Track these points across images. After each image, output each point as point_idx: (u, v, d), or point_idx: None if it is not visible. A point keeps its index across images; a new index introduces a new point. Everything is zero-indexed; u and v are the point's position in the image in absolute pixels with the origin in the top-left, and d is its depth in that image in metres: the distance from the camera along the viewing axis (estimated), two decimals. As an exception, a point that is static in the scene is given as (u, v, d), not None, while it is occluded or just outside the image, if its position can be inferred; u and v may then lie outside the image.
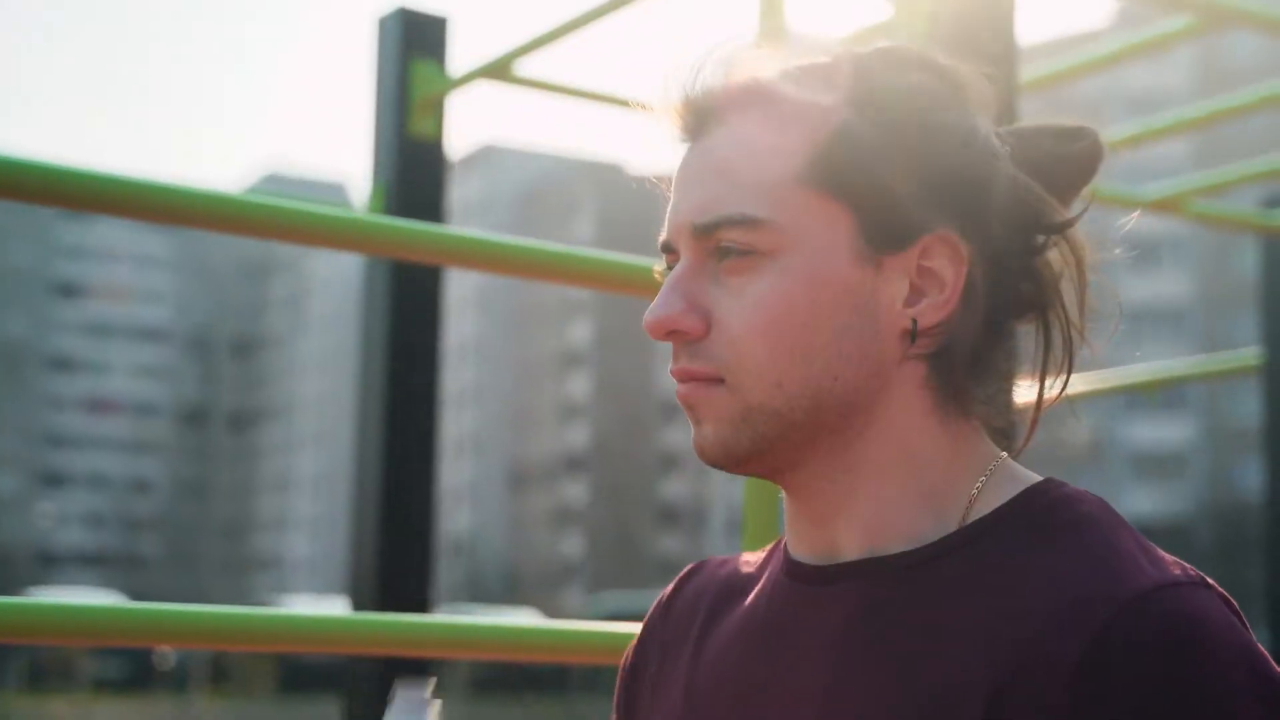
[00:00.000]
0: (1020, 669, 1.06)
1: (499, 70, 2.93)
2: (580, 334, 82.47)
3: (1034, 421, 1.25)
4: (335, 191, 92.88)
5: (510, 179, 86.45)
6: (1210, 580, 1.12)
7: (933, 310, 1.19)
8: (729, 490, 70.28)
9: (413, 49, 2.97)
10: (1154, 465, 57.99)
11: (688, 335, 1.19)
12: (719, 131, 1.22)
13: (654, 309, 1.20)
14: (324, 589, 74.84)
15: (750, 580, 1.32)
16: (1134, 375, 4.04)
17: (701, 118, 1.23)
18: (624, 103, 3.06)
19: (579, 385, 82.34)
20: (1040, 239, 1.23)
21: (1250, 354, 4.33)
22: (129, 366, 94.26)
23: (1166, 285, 57.26)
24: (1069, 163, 1.26)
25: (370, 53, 3.03)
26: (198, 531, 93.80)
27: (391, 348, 2.88)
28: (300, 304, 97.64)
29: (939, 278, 1.19)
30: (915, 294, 1.19)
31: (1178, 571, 1.10)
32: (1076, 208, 1.26)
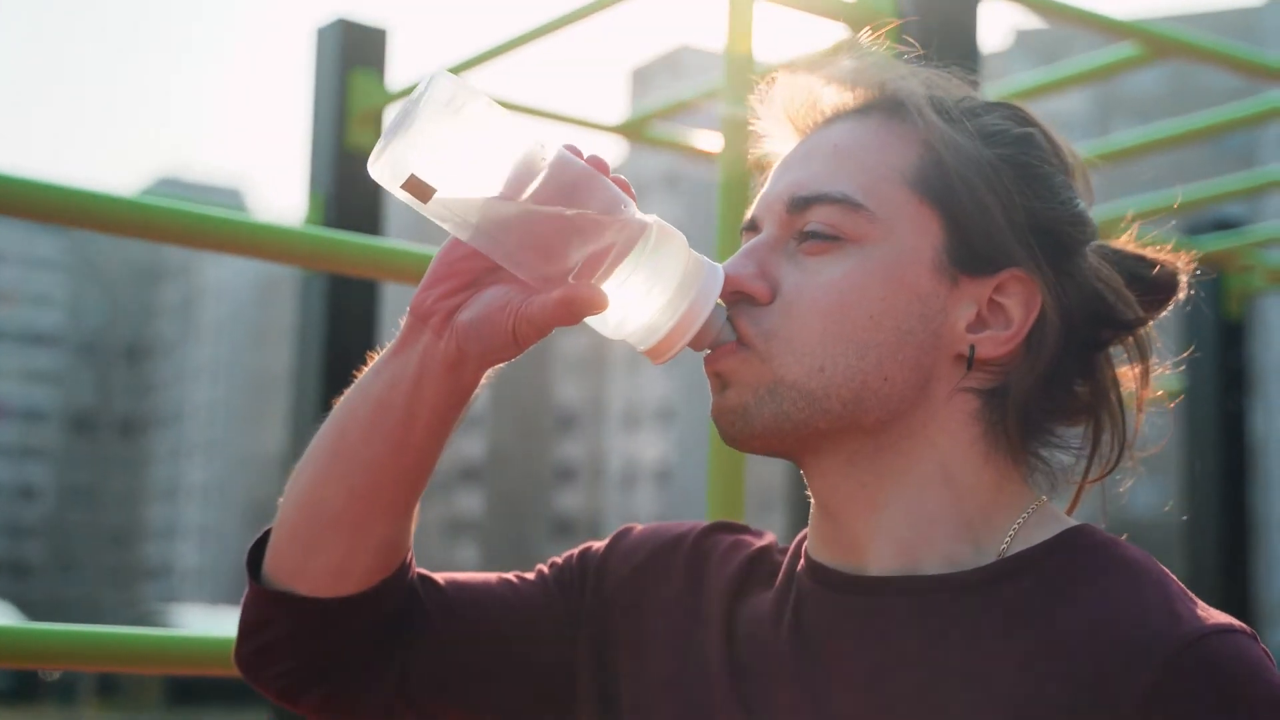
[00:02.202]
0: (1078, 705, 1.07)
1: (440, 83, 2.89)
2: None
3: (1078, 494, 1.29)
4: (231, 196, 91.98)
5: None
6: (1251, 631, 1.13)
7: (993, 343, 1.20)
8: (624, 503, 70.36)
9: (352, 60, 2.94)
10: (1044, 483, 58.80)
11: (753, 299, 1.19)
12: (836, 126, 1.24)
13: (726, 267, 1.20)
14: (213, 598, 73.95)
15: (769, 572, 1.30)
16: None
17: (826, 119, 1.26)
18: (568, 119, 3.05)
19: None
20: (1107, 335, 1.24)
21: (1166, 379, 4.38)
22: (17, 371, 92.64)
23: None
24: (1147, 283, 1.27)
25: (308, 63, 2.99)
26: (86, 539, 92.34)
27: (327, 362, 2.84)
28: (192, 310, 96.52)
29: (1008, 315, 1.20)
30: (980, 323, 1.20)
31: (1220, 621, 1.11)
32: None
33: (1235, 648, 1.09)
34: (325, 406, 2.78)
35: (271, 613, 1.25)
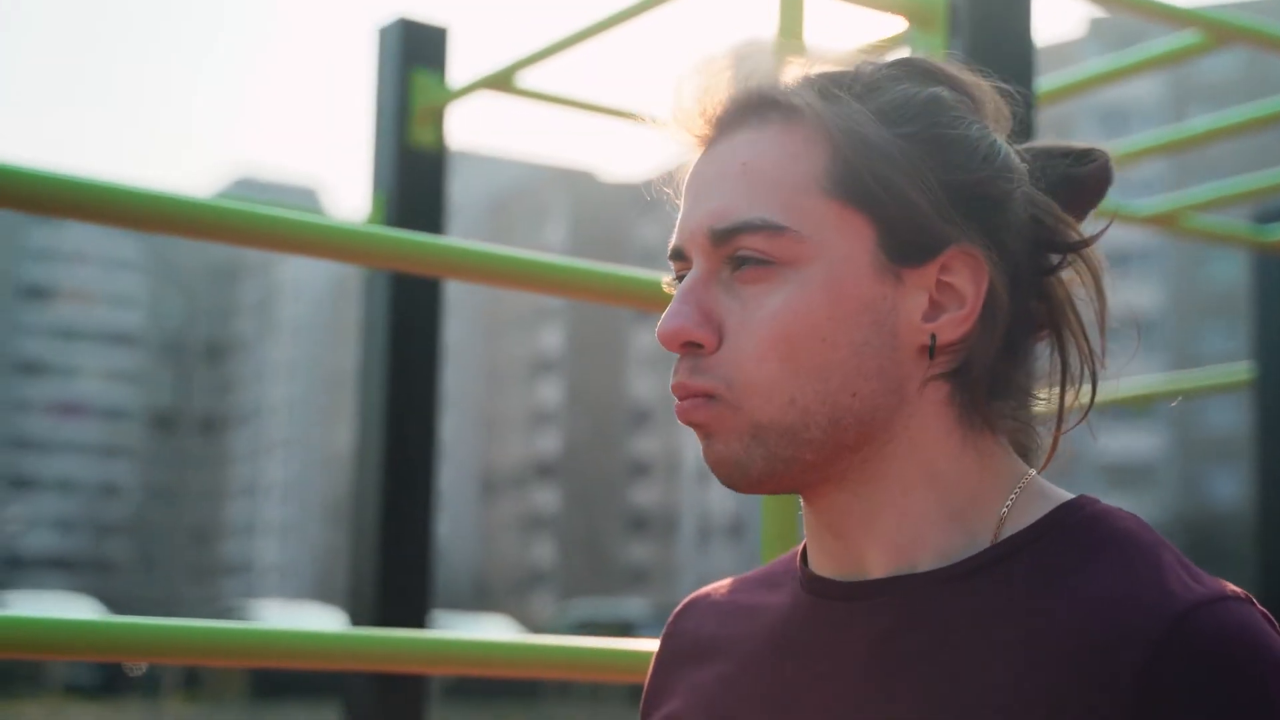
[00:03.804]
0: (1072, 688, 1.05)
1: (500, 81, 2.91)
2: (551, 340, 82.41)
3: (1056, 439, 1.24)
4: (307, 197, 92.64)
5: (482, 185, 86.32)
6: (1250, 596, 1.11)
7: (952, 326, 1.17)
8: (699, 498, 70.27)
9: (413, 59, 2.96)
10: (1124, 475, 58.20)
11: (701, 348, 1.17)
12: (738, 138, 1.19)
13: (667, 319, 1.17)
14: (293, 594, 74.56)
15: (758, 600, 1.29)
16: (1124, 390, 4.04)
17: (719, 125, 1.21)
18: (626, 114, 3.06)
19: (550, 392, 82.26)
20: (1055, 258, 1.22)
21: (1239, 368, 4.34)
22: (99, 370, 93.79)
23: (1136, 296, 57.51)
24: (1080, 184, 1.25)
25: (370, 63, 3.02)
26: (167, 536, 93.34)
27: (391, 359, 2.86)
28: (270, 309, 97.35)
29: (959, 293, 1.17)
30: (934, 309, 1.17)
31: (1220, 586, 1.10)
32: (1088, 226, 1.25)
33: (1228, 616, 1.06)
34: (389, 405, 2.83)
35: None
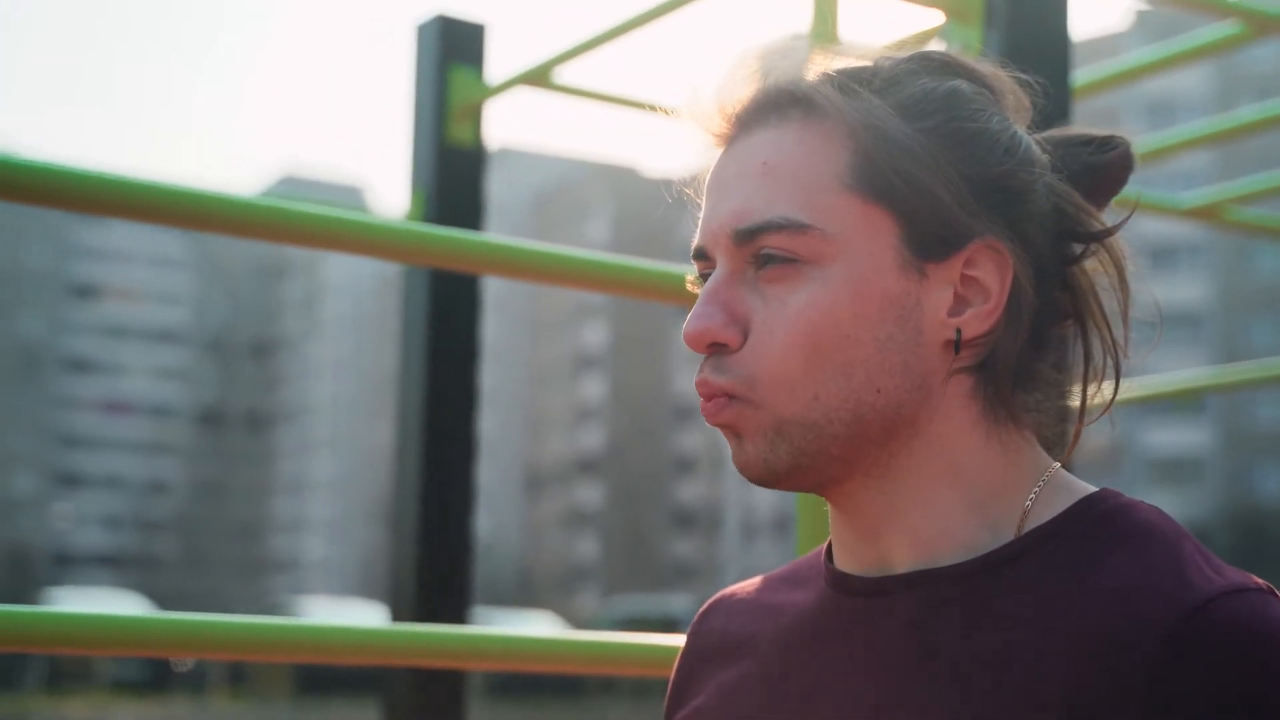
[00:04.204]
0: (1090, 678, 1.05)
1: (538, 77, 2.92)
2: (595, 337, 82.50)
3: (1078, 430, 1.24)
4: (352, 195, 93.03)
5: (525, 181, 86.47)
6: (1273, 588, 1.10)
7: (977, 320, 1.17)
8: (744, 494, 70.23)
9: (451, 56, 2.97)
10: (1171, 470, 57.90)
11: (727, 347, 1.17)
12: (758, 136, 1.20)
13: (693, 320, 1.18)
14: (340, 591, 74.90)
15: (783, 599, 1.30)
16: (1167, 383, 4.01)
17: (739, 123, 1.22)
18: (663, 109, 3.05)
19: (594, 388, 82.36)
20: (1078, 248, 1.21)
21: (1282, 362, 4.31)
22: (145, 368, 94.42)
23: (1182, 290, 57.17)
24: (1101, 172, 1.25)
25: (409, 60, 3.02)
26: (214, 533, 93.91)
27: (431, 355, 2.87)
28: (315, 306, 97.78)
29: (983, 286, 1.17)
30: (959, 303, 1.17)
31: (1241, 578, 1.09)
32: (1111, 215, 1.25)
33: (1246, 608, 1.06)
34: (428, 402, 2.84)
35: None
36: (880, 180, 1.15)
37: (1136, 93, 55.91)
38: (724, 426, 1.19)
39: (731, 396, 1.17)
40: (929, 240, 1.16)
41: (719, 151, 1.24)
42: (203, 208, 1.85)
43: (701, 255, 1.22)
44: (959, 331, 1.17)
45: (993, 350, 1.18)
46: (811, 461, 1.17)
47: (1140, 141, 3.66)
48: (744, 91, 1.22)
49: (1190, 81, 59.40)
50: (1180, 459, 58.15)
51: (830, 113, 1.17)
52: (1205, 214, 3.68)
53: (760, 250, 1.16)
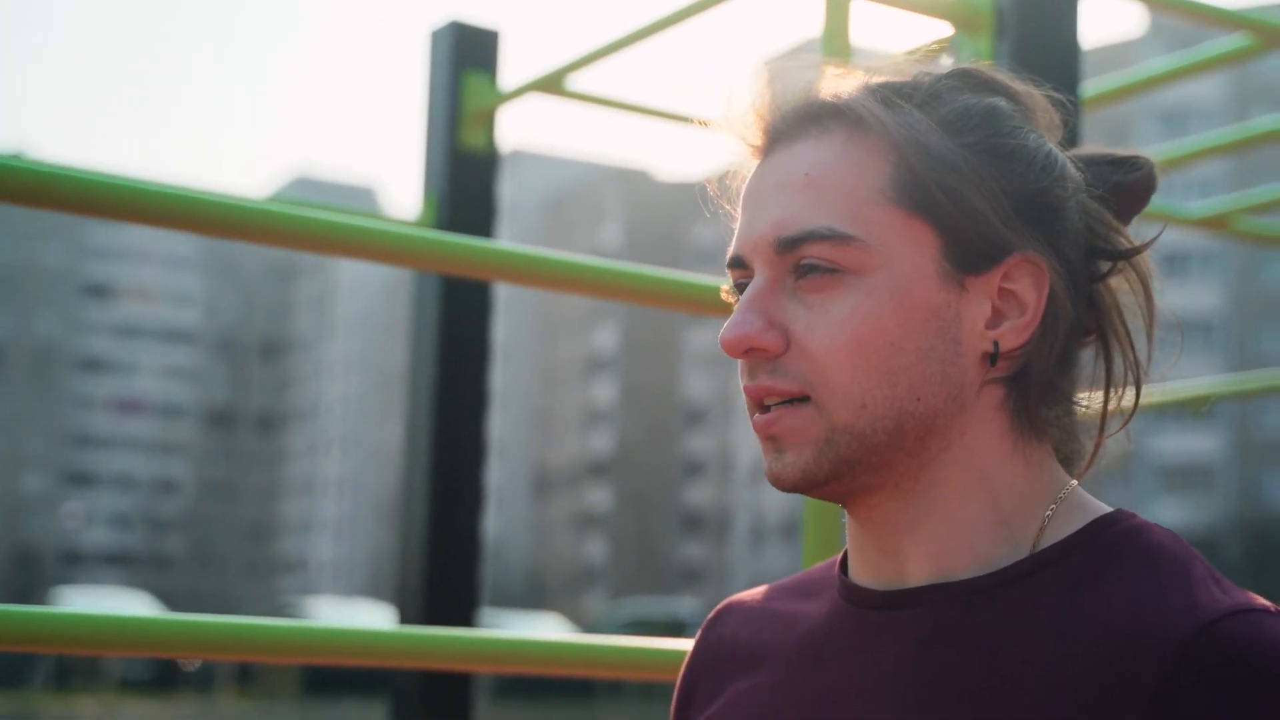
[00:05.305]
0: (1097, 695, 1.06)
1: (551, 83, 2.93)
2: (606, 340, 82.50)
3: (1098, 445, 1.24)
4: (364, 196, 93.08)
5: (537, 185, 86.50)
6: (1277, 607, 1.11)
7: (1014, 333, 1.18)
8: (752, 498, 70.17)
9: (464, 62, 2.97)
10: (1181, 477, 57.78)
11: (766, 353, 1.17)
12: (799, 147, 1.20)
13: (731, 326, 1.18)
14: (348, 591, 74.93)
15: (795, 608, 1.30)
16: (1182, 391, 4.02)
17: (779, 134, 1.22)
18: (676, 116, 3.07)
19: (604, 391, 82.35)
20: (1105, 265, 1.23)
21: (1294, 371, 4.31)
22: (157, 368, 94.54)
23: (1195, 298, 57.06)
24: (1128, 192, 1.26)
25: (422, 66, 3.04)
26: (223, 533, 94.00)
27: (441, 357, 2.88)
28: (326, 307, 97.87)
29: (1020, 300, 1.18)
30: (996, 316, 1.18)
31: (1249, 599, 1.10)
32: (1133, 231, 1.26)
33: (1254, 628, 1.07)
34: (438, 405, 2.85)
35: None
36: (923, 194, 1.17)
37: (1150, 101, 55.77)
38: (775, 438, 1.18)
39: (803, 399, 1.17)
40: (969, 253, 1.17)
41: (754, 162, 1.25)
42: (213, 213, 1.86)
43: (739, 264, 1.22)
44: (996, 344, 1.18)
45: (1025, 363, 1.19)
46: (850, 470, 1.17)
47: (1154, 150, 3.67)
48: (783, 103, 1.22)
49: (1204, 90, 59.29)
50: (1190, 466, 58.02)
51: (874, 126, 1.18)
52: (1216, 224, 3.69)
53: (802, 259, 1.17)
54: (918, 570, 1.19)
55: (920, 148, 1.17)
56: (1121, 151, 1.28)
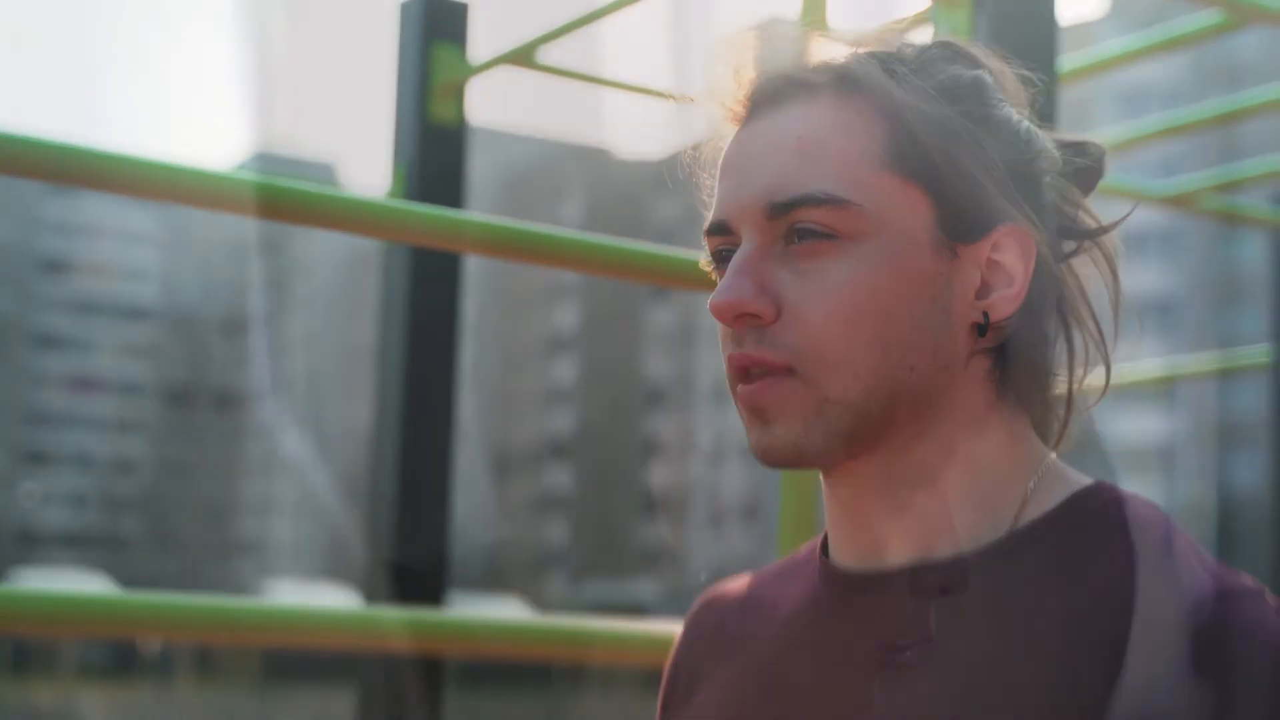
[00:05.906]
0: (1082, 675, 1.05)
1: (521, 56, 2.91)
2: (567, 318, 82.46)
3: (1065, 423, 1.24)
4: (324, 171, 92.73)
5: (497, 162, 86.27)
6: (1263, 588, 1.11)
7: (1003, 303, 1.17)
8: (714, 479, 70.30)
9: (433, 34, 2.96)
10: (1141, 459, 58.17)
11: (758, 319, 1.15)
12: (787, 112, 1.18)
13: (723, 290, 1.15)
14: (308, 573, 74.79)
15: (777, 594, 1.29)
16: (1142, 372, 4.03)
17: (764, 99, 1.20)
18: (648, 90, 3.05)
19: (565, 370, 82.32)
20: (1071, 244, 1.22)
21: (1258, 350, 4.33)
22: (114, 345, 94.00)
23: (1154, 278, 57.40)
24: (1085, 175, 1.26)
25: (391, 38, 3.01)
26: (181, 513, 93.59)
27: (410, 336, 2.86)
28: (286, 284, 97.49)
29: (1007, 271, 1.17)
30: (985, 286, 1.17)
31: (1233, 580, 1.10)
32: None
33: (1239, 609, 1.07)
34: (407, 382, 2.83)
35: None
36: (918, 159, 1.15)
37: (1109, 81, 56.03)
38: (761, 409, 1.16)
39: (789, 371, 1.14)
40: (963, 221, 1.16)
41: (733, 128, 1.22)
42: (177, 181, 1.83)
43: (722, 230, 1.20)
44: (986, 314, 1.17)
45: (1010, 334, 1.18)
46: (841, 442, 1.15)
47: (1113, 132, 3.68)
48: (769, 68, 1.21)
49: (1162, 71, 59.59)
50: (1150, 448, 58.42)
51: (875, 90, 1.17)
52: (1182, 202, 3.70)
53: (795, 224, 1.15)
54: (898, 549, 1.18)
55: (918, 114, 1.16)
56: (1070, 136, 1.27)
